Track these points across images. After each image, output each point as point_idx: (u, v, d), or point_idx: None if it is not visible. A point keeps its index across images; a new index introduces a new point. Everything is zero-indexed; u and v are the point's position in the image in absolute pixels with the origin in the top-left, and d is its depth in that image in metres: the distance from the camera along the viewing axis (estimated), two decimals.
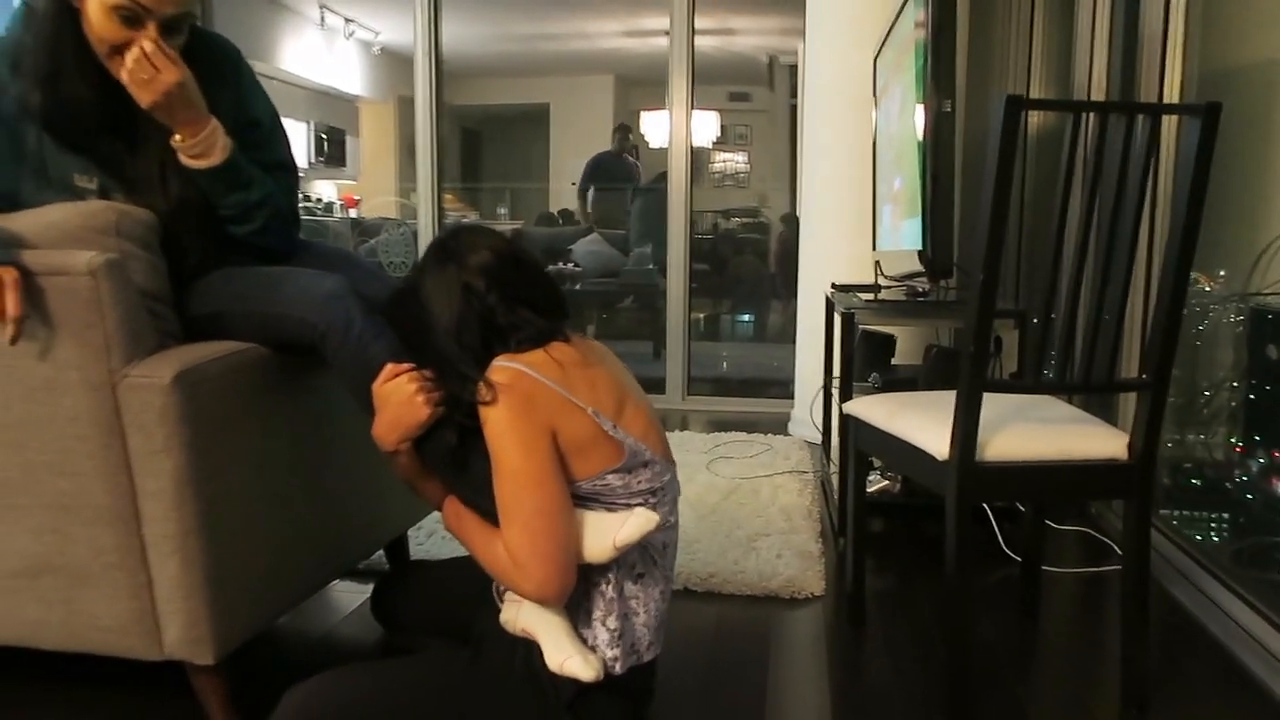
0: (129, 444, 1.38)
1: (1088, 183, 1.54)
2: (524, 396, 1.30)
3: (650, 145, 7.59)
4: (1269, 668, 1.77)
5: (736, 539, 2.44)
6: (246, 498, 1.50)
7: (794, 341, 3.88)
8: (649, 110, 7.84)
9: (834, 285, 3.08)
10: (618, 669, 1.36)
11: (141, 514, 1.40)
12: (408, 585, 1.79)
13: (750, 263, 6.53)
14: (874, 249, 3.23)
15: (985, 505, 2.49)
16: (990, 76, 3.66)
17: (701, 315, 6.08)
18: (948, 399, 1.57)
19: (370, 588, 1.83)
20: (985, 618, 2.02)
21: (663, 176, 4.61)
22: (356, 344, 1.51)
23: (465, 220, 6.60)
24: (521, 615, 1.38)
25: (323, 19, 7.11)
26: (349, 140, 7.37)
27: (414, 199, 4.94)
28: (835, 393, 2.78)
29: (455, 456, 1.38)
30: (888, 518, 2.71)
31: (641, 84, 8.34)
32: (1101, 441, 1.60)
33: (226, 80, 1.66)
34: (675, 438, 3.68)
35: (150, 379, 1.36)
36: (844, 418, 2.00)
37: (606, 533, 1.31)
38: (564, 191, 7.15)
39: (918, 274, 2.49)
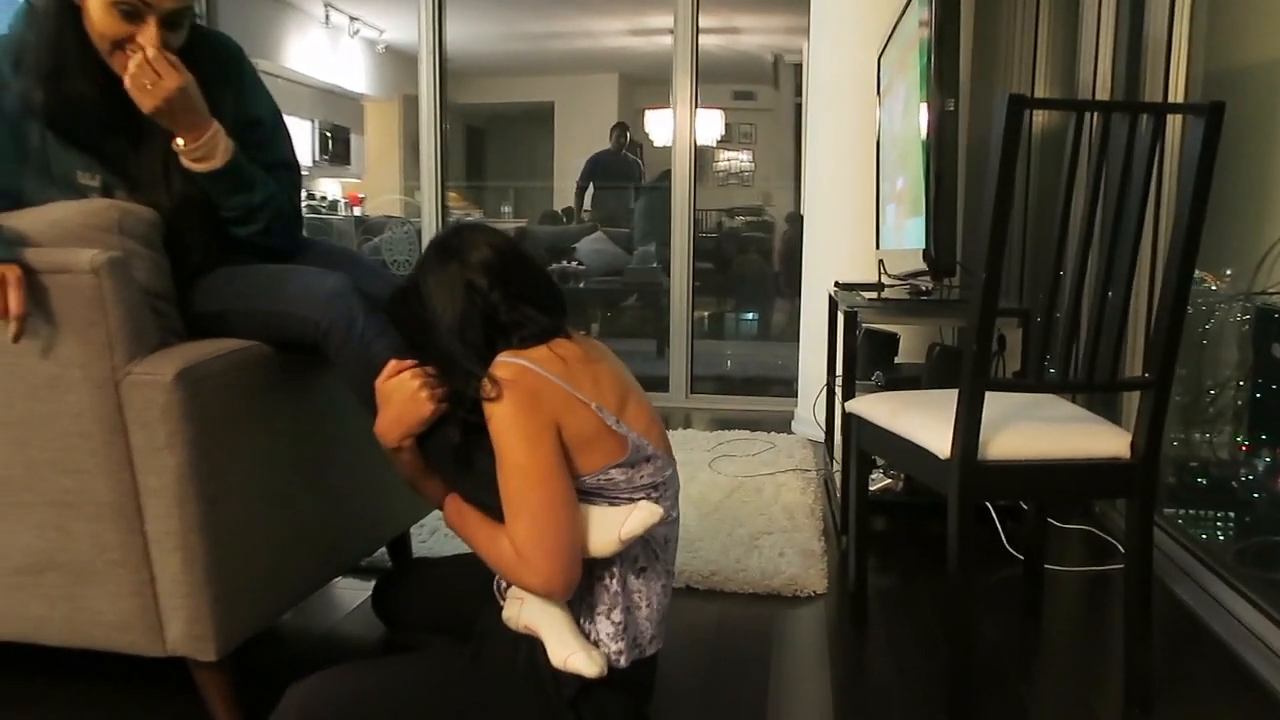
0: (131, 441, 1.38)
1: (1091, 182, 1.54)
2: (528, 392, 1.30)
3: (654, 144, 7.59)
4: (1273, 667, 1.76)
5: (739, 537, 2.44)
6: (249, 495, 1.50)
7: (798, 340, 3.88)
8: (653, 109, 7.83)
9: (837, 284, 3.08)
10: (622, 662, 1.36)
11: (144, 511, 1.40)
12: (410, 583, 1.79)
13: (754, 261, 6.52)
14: (877, 248, 3.23)
15: (988, 504, 2.48)
16: (995, 75, 3.65)
17: (705, 314, 6.07)
18: (950, 398, 1.56)
19: (372, 585, 1.83)
20: (988, 617, 2.01)
21: (667, 175, 4.60)
22: (359, 342, 1.51)
23: (467, 218, 6.60)
24: (524, 612, 1.38)
25: (327, 17, 7.11)
26: (353, 138, 7.38)
27: (418, 197, 4.95)
28: (838, 391, 2.78)
29: (458, 453, 1.39)
30: (890, 516, 2.71)
31: (646, 82, 8.33)
32: (1104, 440, 1.60)
33: (229, 79, 1.66)
34: (678, 436, 3.68)
35: (153, 376, 1.36)
36: (847, 416, 2.00)
37: (611, 526, 1.32)
38: (568, 190, 7.15)
39: (921, 273, 2.48)
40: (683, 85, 4.44)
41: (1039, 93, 3.36)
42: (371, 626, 1.88)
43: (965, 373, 1.52)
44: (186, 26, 1.55)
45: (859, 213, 3.40)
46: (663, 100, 4.64)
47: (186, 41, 1.56)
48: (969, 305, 1.54)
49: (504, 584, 1.47)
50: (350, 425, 1.70)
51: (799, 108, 5.23)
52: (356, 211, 7.14)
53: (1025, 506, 2.18)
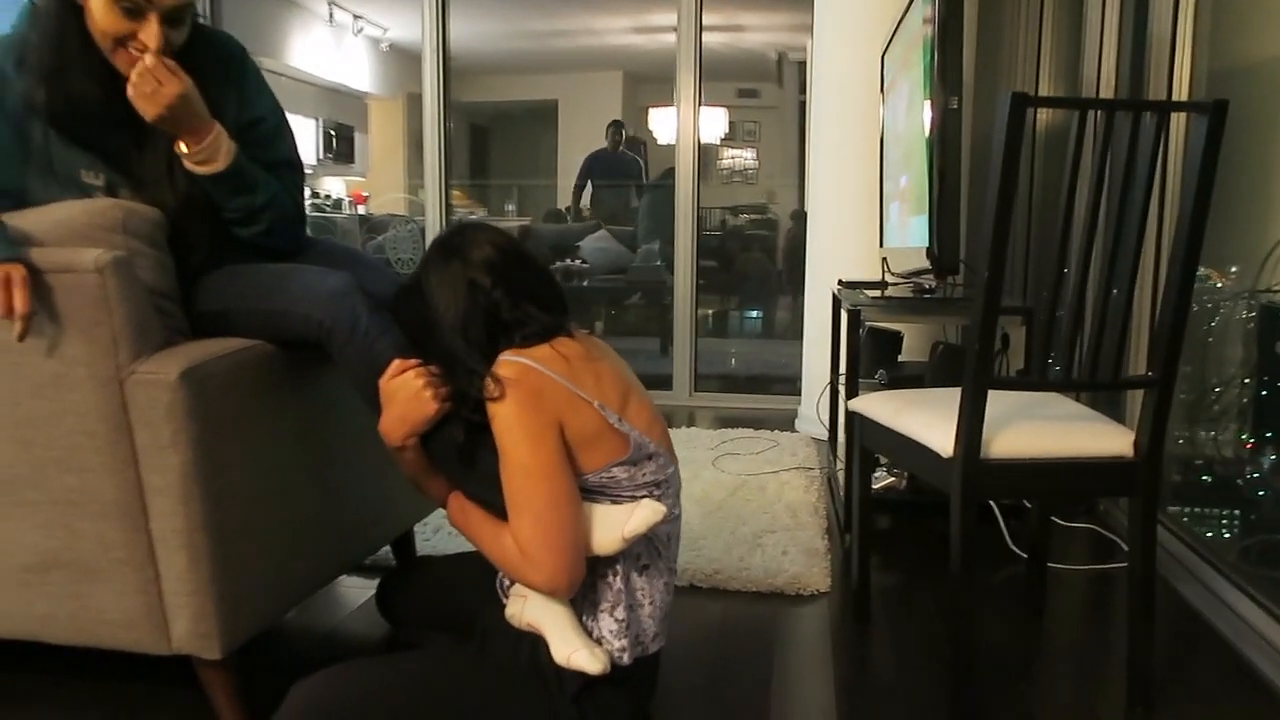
0: (136, 440, 1.39)
1: (1094, 180, 1.54)
2: (531, 391, 1.30)
3: (658, 142, 7.58)
4: (1277, 666, 1.76)
5: (742, 535, 2.44)
6: (253, 493, 1.51)
7: (801, 338, 3.88)
8: (657, 107, 7.83)
9: (841, 282, 3.08)
10: (625, 660, 1.36)
11: (149, 509, 1.41)
12: (413, 581, 1.80)
13: (758, 259, 6.52)
14: (881, 246, 3.22)
15: (991, 502, 2.48)
16: (999, 73, 3.65)
17: (709, 312, 6.08)
18: (953, 396, 1.56)
19: (376, 583, 1.83)
20: (991, 615, 2.01)
21: (670, 173, 4.60)
22: (363, 340, 1.51)
23: (470, 217, 6.61)
24: (527, 610, 1.38)
25: (331, 15, 7.12)
26: (357, 137, 7.39)
27: (422, 195, 4.95)
28: (842, 389, 2.78)
29: (462, 452, 1.39)
30: (894, 515, 2.71)
31: (650, 80, 8.32)
32: (1107, 439, 1.60)
33: (231, 79, 1.66)
34: (682, 434, 3.68)
35: (157, 375, 1.37)
36: (850, 415, 2.00)
37: (615, 525, 1.32)
38: (572, 188, 7.16)
39: (924, 271, 2.48)
40: (686, 83, 4.44)
41: (1043, 90, 3.36)
42: (375, 625, 1.88)
43: (968, 371, 1.52)
44: (188, 23, 1.55)
45: (862, 211, 3.39)
46: (666, 98, 4.64)
47: (189, 40, 1.56)
48: (972, 303, 1.54)
49: (507, 582, 1.48)
50: (354, 424, 1.70)
51: (803, 105, 5.23)
52: (360, 210, 7.15)
53: (1029, 505, 2.18)
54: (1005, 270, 1.50)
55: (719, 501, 2.75)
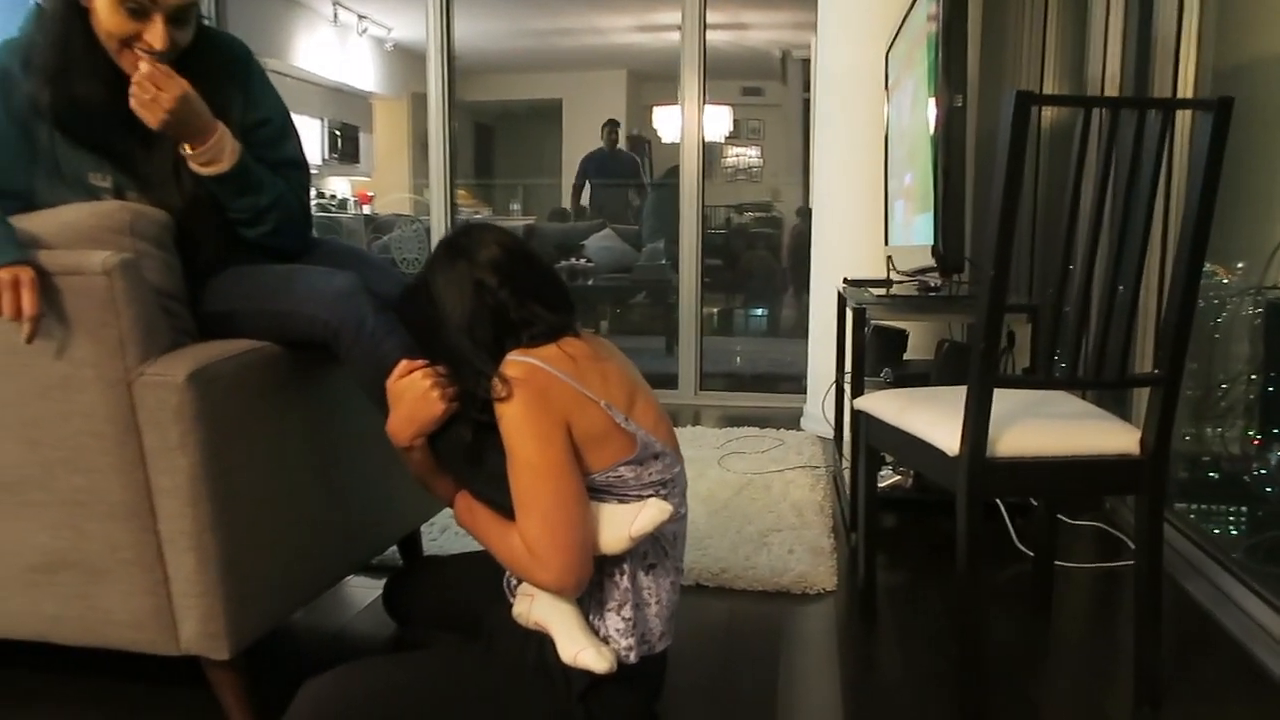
0: (144, 441, 1.39)
1: (1100, 177, 1.53)
2: (538, 390, 1.31)
3: (663, 140, 7.59)
4: None
5: (748, 534, 2.44)
6: (260, 494, 1.51)
7: (807, 336, 3.87)
8: (661, 105, 7.83)
9: (846, 280, 3.08)
10: (631, 658, 1.37)
11: (157, 511, 1.41)
12: (420, 580, 1.80)
13: (763, 258, 6.52)
14: (886, 244, 3.22)
15: (998, 500, 2.48)
16: (1003, 71, 3.64)
17: (714, 310, 6.08)
18: (959, 394, 1.56)
19: (383, 583, 1.84)
20: (997, 613, 2.01)
21: (674, 171, 4.60)
22: (369, 341, 1.52)
23: (475, 217, 6.63)
24: (534, 609, 1.39)
25: (336, 15, 7.13)
26: (362, 136, 7.39)
27: (427, 195, 4.96)
28: (847, 388, 2.77)
29: (469, 451, 1.40)
30: (899, 513, 2.71)
31: (654, 79, 8.33)
32: (1114, 437, 1.60)
33: (236, 80, 1.67)
34: (687, 433, 3.68)
35: (165, 377, 1.37)
36: (855, 413, 2.00)
37: (622, 524, 1.32)
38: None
39: (930, 269, 2.48)
40: (690, 81, 4.44)
41: (1047, 88, 3.35)
42: (382, 624, 1.89)
43: (974, 369, 1.52)
44: (193, 23, 1.55)
45: (867, 209, 3.39)
46: (671, 96, 4.64)
47: (193, 42, 1.56)
48: (977, 301, 1.54)
49: (514, 581, 1.48)
50: (360, 424, 1.71)
51: (807, 103, 5.23)
52: (366, 210, 7.16)
53: (1035, 503, 2.18)
54: (1011, 268, 1.50)
55: (725, 500, 2.75)
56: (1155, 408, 1.56)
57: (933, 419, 1.66)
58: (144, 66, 1.46)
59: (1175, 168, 2.35)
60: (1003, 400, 1.55)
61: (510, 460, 1.31)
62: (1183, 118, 2.30)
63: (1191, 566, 2.18)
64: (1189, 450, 2.53)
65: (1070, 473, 1.59)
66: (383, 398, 1.44)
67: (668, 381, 4.50)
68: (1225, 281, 2.44)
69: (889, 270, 2.88)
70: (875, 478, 2.00)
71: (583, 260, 6.01)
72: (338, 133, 6.96)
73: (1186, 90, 2.38)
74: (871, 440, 1.93)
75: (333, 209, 6.84)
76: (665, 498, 1.37)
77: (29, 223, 1.44)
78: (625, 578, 1.38)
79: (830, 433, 3.38)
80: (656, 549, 1.41)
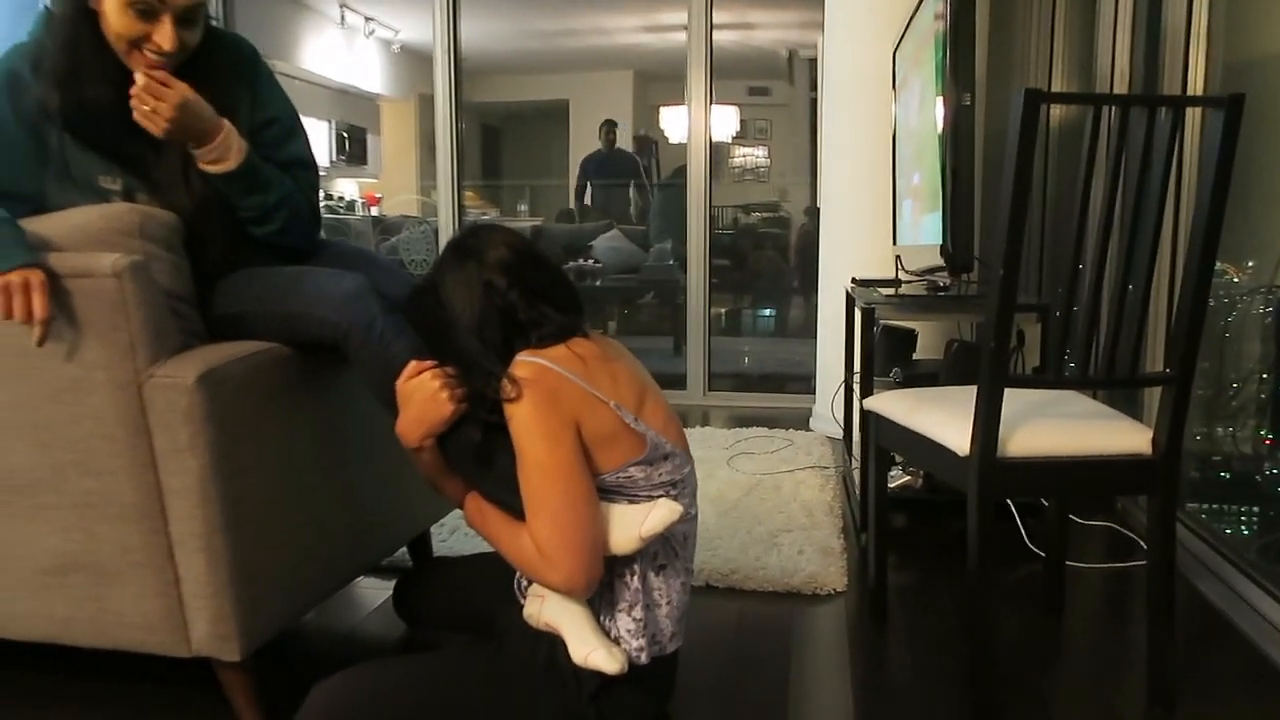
0: (154, 443, 1.40)
1: (1110, 176, 1.53)
2: (548, 391, 1.31)
3: (670, 140, 7.58)
4: None
5: (758, 535, 2.44)
6: (270, 495, 1.51)
7: (815, 336, 3.87)
8: (668, 105, 7.83)
9: (854, 280, 3.07)
10: (642, 659, 1.37)
11: (167, 512, 1.41)
12: (430, 582, 1.80)
13: (770, 258, 6.51)
14: (894, 243, 3.21)
15: (1008, 501, 2.47)
16: (1011, 69, 3.63)
17: (722, 310, 6.07)
18: (969, 394, 1.56)
19: (393, 584, 1.84)
20: (1008, 614, 2.01)
21: (681, 171, 4.60)
22: (379, 343, 1.52)
23: (483, 218, 6.64)
24: (545, 610, 1.39)
25: (343, 18, 7.14)
26: (370, 138, 7.41)
27: (434, 196, 4.96)
28: (856, 388, 2.77)
29: (479, 452, 1.40)
30: (909, 513, 2.70)
31: (660, 79, 8.32)
32: (1125, 436, 1.59)
33: (244, 79, 1.67)
34: (696, 433, 3.68)
35: (175, 379, 1.38)
36: (865, 413, 1.99)
37: (631, 524, 1.32)
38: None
39: (938, 268, 2.47)
40: (697, 81, 4.43)
41: (1056, 86, 3.34)
42: (393, 625, 1.89)
43: (984, 369, 1.51)
44: (201, 24, 1.56)
45: (875, 209, 3.38)
46: (677, 97, 4.63)
47: (201, 42, 1.57)
48: (987, 301, 1.53)
49: (524, 582, 1.48)
50: (370, 425, 1.71)
51: (814, 103, 5.22)
52: (373, 211, 7.17)
53: (1046, 503, 2.17)
54: (1020, 267, 1.50)
55: (734, 501, 2.74)
56: (1167, 407, 1.55)
57: (943, 419, 1.65)
58: (140, 79, 1.47)
59: (1186, 166, 2.34)
60: (1013, 400, 1.54)
61: (520, 461, 1.31)
62: (1193, 115, 2.28)
63: (1204, 566, 2.17)
64: (1200, 450, 2.52)
65: (1082, 473, 1.59)
66: (392, 399, 1.44)
67: (676, 382, 4.49)
68: (1236, 280, 2.43)
69: (897, 270, 2.87)
70: (885, 478, 2.00)
71: (590, 261, 6.01)
72: (345, 134, 6.98)
73: (1197, 87, 2.36)
74: (881, 440, 1.92)
75: (340, 211, 6.86)
76: (675, 498, 1.37)
77: (39, 225, 1.44)
78: (636, 578, 1.37)
79: (839, 433, 3.37)
80: (667, 550, 1.41)
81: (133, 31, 1.49)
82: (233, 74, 1.64)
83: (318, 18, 6.96)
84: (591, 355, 1.37)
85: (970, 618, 1.56)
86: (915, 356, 2.98)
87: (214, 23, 1.66)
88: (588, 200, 6.88)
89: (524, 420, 1.30)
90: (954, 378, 2.52)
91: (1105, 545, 2.44)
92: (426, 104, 5.05)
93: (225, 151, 1.56)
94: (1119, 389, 2.56)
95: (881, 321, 2.79)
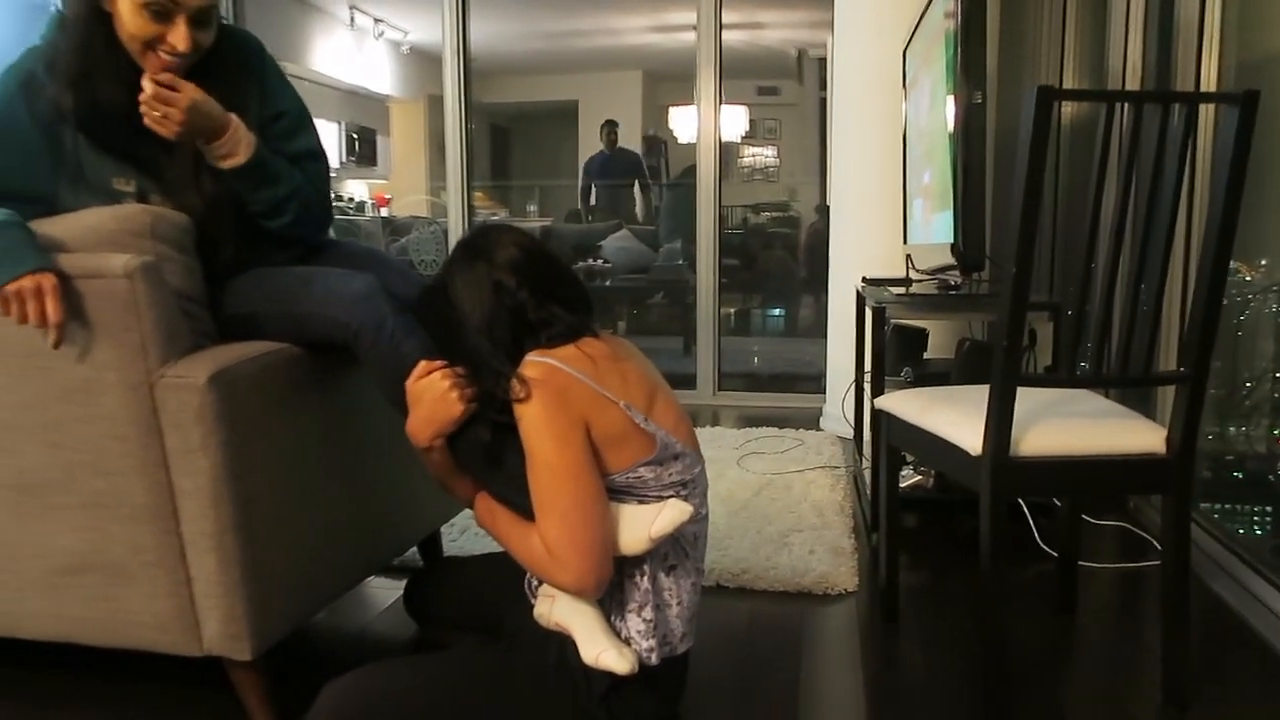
0: (166, 443, 1.40)
1: (1123, 174, 1.52)
2: (557, 391, 1.30)
3: (679, 140, 7.58)
4: None
5: (768, 535, 2.43)
6: (281, 495, 1.52)
7: (824, 336, 3.86)
8: (677, 105, 7.83)
9: (865, 279, 3.06)
10: (653, 660, 1.36)
11: (179, 512, 1.42)
12: (440, 581, 1.80)
13: (780, 257, 6.50)
14: (905, 242, 3.20)
15: (1020, 500, 2.46)
16: (1022, 67, 3.62)
17: (731, 310, 6.07)
18: (981, 393, 1.55)
19: (404, 584, 1.84)
20: (1021, 614, 2.00)
21: (691, 171, 4.59)
22: (389, 343, 1.52)
23: (492, 218, 6.65)
24: (555, 610, 1.39)
25: (352, 19, 7.16)
26: (379, 139, 7.42)
27: (444, 197, 4.97)
28: (867, 387, 2.76)
29: (488, 452, 1.39)
30: (921, 513, 2.69)
31: (670, 79, 8.33)
32: (1139, 435, 1.58)
33: (252, 73, 1.68)
34: (706, 433, 3.67)
35: (186, 379, 1.38)
36: (876, 413, 1.99)
37: (641, 524, 1.32)
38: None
39: (949, 267, 2.46)
40: (706, 81, 4.43)
41: (1067, 83, 3.32)
42: (403, 625, 1.89)
43: (996, 368, 1.51)
44: (214, 24, 1.57)
45: (886, 208, 3.37)
46: (686, 96, 4.63)
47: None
48: (999, 299, 1.52)
49: (535, 582, 1.48)
50: (380, 425, 1.71)
51: (823, 102, 5.22)
52: (383, 212, 7.19)
53: (1058, 503, 2.16)
54: (1033, 266, 1.49)
55: (744, 501, 2.74)
56: (1181, 406, 1.54)
57: (955, 418, 1.65)
58: (148, 87, 1.48)
59: (1199, 163, 2.33)
60: (1025, 399, 1.53)
61: (529, 461, 1.31)
62: (1206, 112, 2.27)
63: (1218, 566, 2.16)
64: (1213, 449, 2.51)
65: (1095, 472, 1.58)
66: (402, 399, 1.45)
67: (686, 382, 4.49)
68: (1249, 279, 2.41)
69: (908, 269, 2.86)
70: (896, 477, 1.99)
71: (600, 261, 6.02)
72: (355, 136, 6.99)
73: (1210, 84, 2.35)
74: (893, 440, 1.92)
75: (350, 212, 6.87)
76: (685, 498, 1.37)
77: (51, 227, 1.45)
78: (646, 579, 1.37)
79: (850, 433, 3.36)
80: (677, 550, 1.41)
81: (147, 33, 1.49)
82: (241, 70, 1.65)
83: (327, 19, 6.98)
84: (601, 355, 1.37)
85: (982, 617, 1.56)
86: (926, 356, 2.97)
87: (224, 20, 1.67)
88: (593, 201, 6.90)
89: (533, 420, 1.30)
90: (966, 377, 2.51)
91: (1118, 545, 2.43)
92: (436, 105, 5.05)
93: (235, 146, 1.56)
94: (1133, 388, 2.55)
95: (892, 320, 2.78)
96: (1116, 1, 2.83)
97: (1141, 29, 2.70)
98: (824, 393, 3.91)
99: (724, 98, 4.45)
